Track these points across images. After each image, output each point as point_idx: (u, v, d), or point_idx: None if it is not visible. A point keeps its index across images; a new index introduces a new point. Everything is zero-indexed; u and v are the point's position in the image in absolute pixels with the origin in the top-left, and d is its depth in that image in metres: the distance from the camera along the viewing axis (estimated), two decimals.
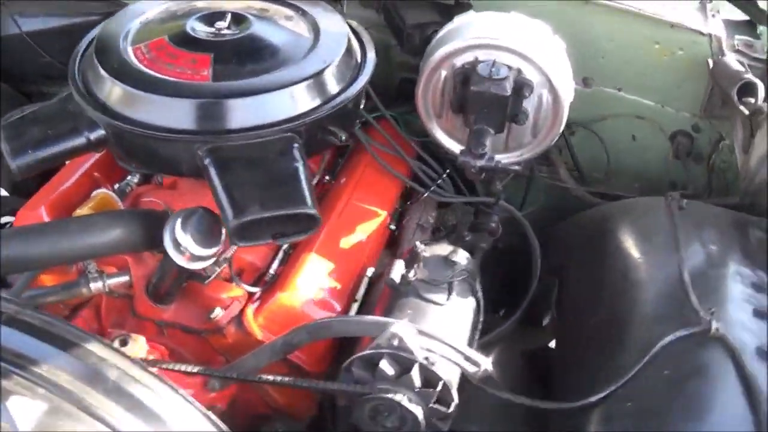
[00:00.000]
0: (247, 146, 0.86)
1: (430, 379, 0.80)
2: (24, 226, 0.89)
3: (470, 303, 0.92)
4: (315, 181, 1.10)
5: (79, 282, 0.92)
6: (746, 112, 1.04)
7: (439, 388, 0.79)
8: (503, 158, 1.13)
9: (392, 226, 1.13)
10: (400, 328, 0.79)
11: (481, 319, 0.93)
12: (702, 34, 1.14)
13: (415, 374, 0.79)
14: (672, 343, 0.80)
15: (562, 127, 1.10)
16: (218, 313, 0.92)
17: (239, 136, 0.86)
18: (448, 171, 1.17)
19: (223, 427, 0.71)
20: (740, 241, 0.98)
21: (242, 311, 0.93)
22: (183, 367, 0.85)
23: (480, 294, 0.93)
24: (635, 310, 0.90)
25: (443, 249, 0.95)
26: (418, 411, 0.79)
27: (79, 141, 0.90)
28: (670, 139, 1.25)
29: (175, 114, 0.87)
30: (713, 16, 1.17)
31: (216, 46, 0.94)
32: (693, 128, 1.23)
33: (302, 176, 0.85)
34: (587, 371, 0.89)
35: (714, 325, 0.80)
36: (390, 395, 0.78)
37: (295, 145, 0.88)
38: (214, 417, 0.72)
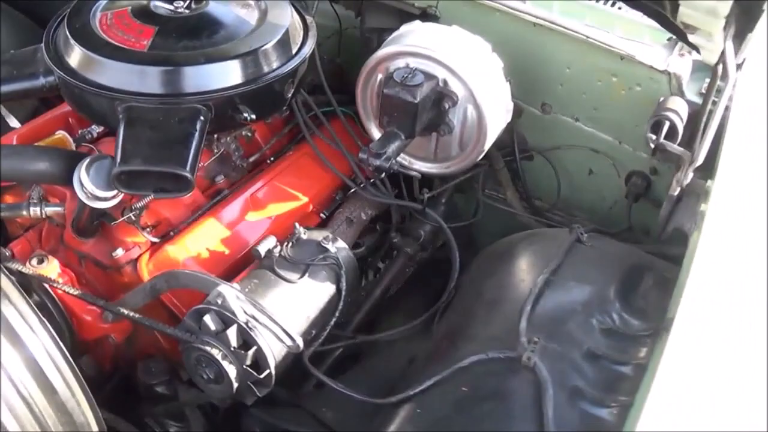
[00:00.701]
0: (154, 109, 0.98)
1: (247, 341, 0.88)
2: None
3: (328, 289, 0.98)
4: (255, 158, 1.19)
5: (22, 205, 1.07)
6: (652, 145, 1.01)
7: (251, 351, 0.87)
8: (432, 168, 1.18)
9: (323, 215, 1.21)
10: (226, 289, 0.88)
11: (340, 307, 0.98)
12: (659, 71, 1.11)
13: (232, 333, 0.87)
14: (481, 362, 0.82)
15: (488, 144, 1.13)
16: (119, 252, 1.04)
17: (149, 100, 0.98)
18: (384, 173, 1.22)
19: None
20: (625, 284, 0.96)
21: (140, 256, 1.05)
22: (73, 291, 0.98)
23: (343, 285, 0.98)
24: (471, 325, 0.92)
25: (320, 234, 1.01)
26: (231, 369, 0.87)
27: (36, 84, 1.06)
28: (625, 179, 1.23)
29: (105, 73, 1.00)
30: (681, 55, 1.13)
31: (163, 21, 1.06)
32: (651, 170, 1.20)
33: (192, 144, 0.95)
34: (417, 376, 0.92)
35: (527, 354, 0.81)
36: (207, 348, 0.87)
37: (201, 117, 0.98)
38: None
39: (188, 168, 0.93)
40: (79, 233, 1.07)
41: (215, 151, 1.15)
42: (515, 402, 0.80)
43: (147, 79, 0.99)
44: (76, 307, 1.05)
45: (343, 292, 0.98)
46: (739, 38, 0.92)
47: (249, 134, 1.20)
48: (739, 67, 0.97)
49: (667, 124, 1.00)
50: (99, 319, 1.06)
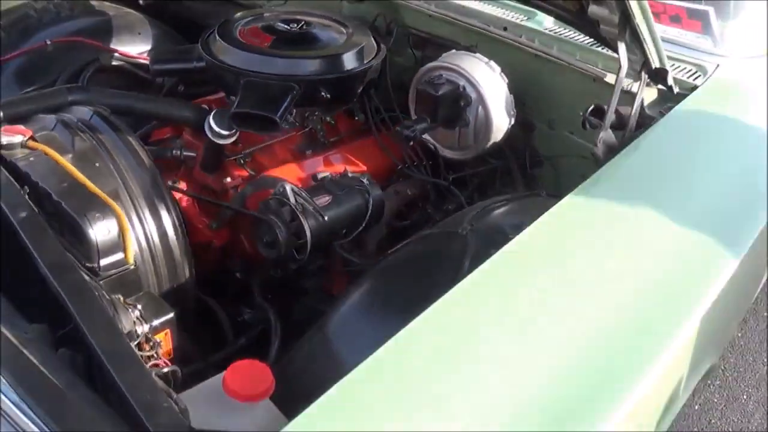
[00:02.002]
0: (263, 82, 1.51)
1: (294, 218, 1.34)
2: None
3: (357, 204, 1.42)
4: (334, 140, 1.68)
5: (167, 150, 1.61)
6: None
7: (295, 223, 1.33)
8: (455, 154, 1.63)
9: None
10: (286, 184, 1.36)
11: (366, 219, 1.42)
12: (626, 91, 1.49)
13: (286, 211, 1.34)
14: (431, 235, 1.24)
15: (493, 138, 1.57)
16: (228, 180, 1.56)
17: (260, 76, 1.52)
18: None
19: None
20: None
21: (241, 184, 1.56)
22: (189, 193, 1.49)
23: (370, 204, 1.42)
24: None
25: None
26: (282, 235, 1.34)
27: (188, 65, 1.63)
28: None
29: (236, 58, 1.56)
30: (648, 84, 1.50)
31: (279, 33, 1.62)
32: None
33: (284, 104, 1.46)
34: None
35: (462, 228, 1.21)
36: (267, 217, 1.34)
37: (292, 90, 1.50)
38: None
39: (278, 116, 1.44)
40: (204, 169, 1.59)
41: (306, 127, 1.66)
42: (448, 257, 1.18)
43: (261, 64, 1.54)
44: (194, 217, 1.55)
45: (369, 210, 1.42)
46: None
47: (332, 122, 1.71)
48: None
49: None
50: (206, 227, 1.56)
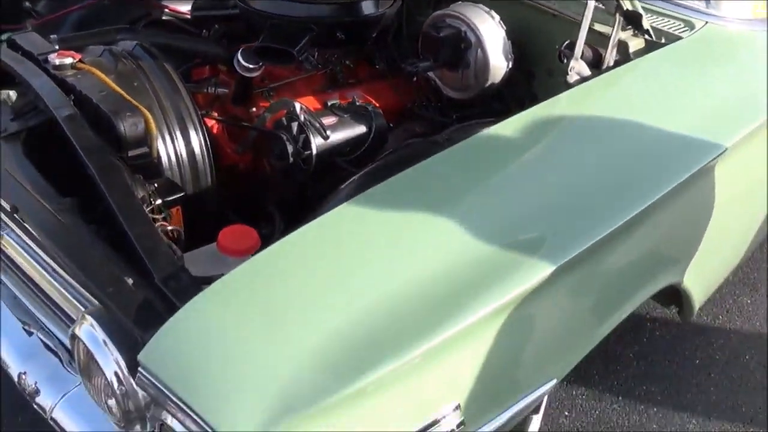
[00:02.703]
0: (285, 24, 1.71)
1: (302, 134, 1.53)
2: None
3: (361, 124, 1.59)
4: (352, 82, 1.85)
5: (203, 85, 1.82)
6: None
7: (302, 137, 1.51)
8: (458, 94, 1.79)
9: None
10: (296, 103, 1.55)
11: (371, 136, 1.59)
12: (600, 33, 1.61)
13: (294, 126, 1.53)
14: (416, 143, 1.40)
15: (492, 79, 1.72)
16: (254, 109, 1.76)
17: (283, 19, 1.72)
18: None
19: None
20: None
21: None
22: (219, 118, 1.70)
23: (373, 126, 1.59)
24: None
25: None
26: (290, 149, 1.52)
27: (225, 12, 1.84)
28: None
29: (262, 4, 1.76)
30: (635, 35, 1.63)
31: None
32: None
33: (300, 41, 1.65)
34: None
35: (442, 137, 1.37)
36: (278, 132, 1.53)
37: (311, 32, 1.69)
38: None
39: (296, 50, 1.63)
40: (234, 102, 1.80)
41: (328, 70, 1.85)
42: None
43: (284, 8, 1.73)
44: (223, 143, 1.75)
45: (372, 133, 1.59)
46: None
47: (351, 65, 1.89)
48: None
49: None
50: (233, 152, 1.76)
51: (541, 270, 1.08)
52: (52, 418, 1.37)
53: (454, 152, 1.27)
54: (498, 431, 1.15)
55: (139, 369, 1.01)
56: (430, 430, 1.04)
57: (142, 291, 1.09)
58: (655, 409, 1.98)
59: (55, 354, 1.44)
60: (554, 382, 1.21)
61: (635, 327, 2.20)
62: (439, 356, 1.02)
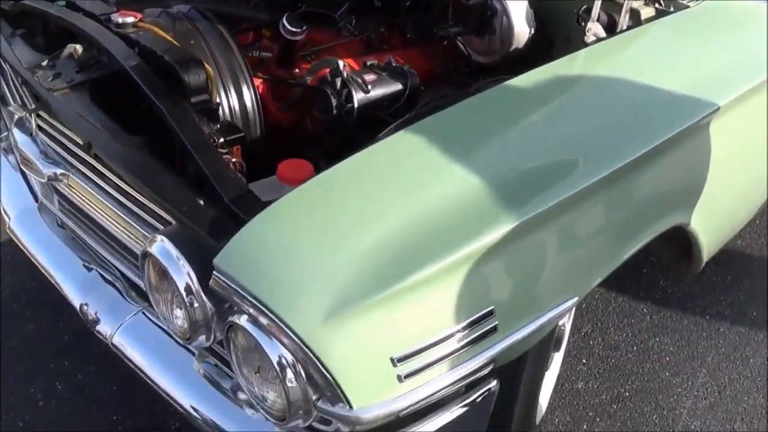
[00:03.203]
0: None
1: (345, 88, 1.67)
2: None
3: (397, 82, 1.73)
4: (386, 47, 2.00)
5: (254, 49, 1.97)
6: None
7: (345, 91, 1.66)
8: (484, 58, 1.93)
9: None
10: (339, 61, 1.70)
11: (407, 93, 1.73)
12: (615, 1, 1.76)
13: (338, 82, 1.67)
14: (449, 94, 1.55)
15: (515, 44, 1.86)
16: (297, 71, 1.91)
17: None
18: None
19: None
20: None
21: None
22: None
23: (408, 84, 1.73)
24: None
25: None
26: (334, 102, 1.67)
27: None
28: None
29: None
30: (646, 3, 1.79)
31: None
32: None
33: (341, 7, 1.81)
34: None
35: (474, 87, 1.52)
36: (323, 87, 1.68)
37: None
38: None
39: (337, 15, 1.78)
40: (278, 64, 1.94)
41: (364, 37, 2.00)
42: None
43: None
44: (268, 101, 1.89)
45: (408, 90, 1.73)
46: None
47: (385, 33, 2.04)
48: None
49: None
50: (277, 110, 1.91)
51: (569, 189, 1.23)
52: (112, 344, 1.53)
53: (487, 96, 1.42)
54: (525, 340, 1.29)
55: (214, 272, 1.15)
56: (466, 331, 1.18)
57: (213, 209, 1.24)
58: (667, 359, 2.11)
59: (114, 286, 1.60)
60: (576, 299, 1.34)
61: (649, 284, 2.34)
62: (478, 263, 1.16)
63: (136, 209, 1.44)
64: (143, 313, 1.55)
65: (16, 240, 1.72)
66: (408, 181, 1.24)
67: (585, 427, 1.92)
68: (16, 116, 1.68)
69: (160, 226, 1.37)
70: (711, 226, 1.75)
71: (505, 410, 1.53)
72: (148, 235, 1.36)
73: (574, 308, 1.41)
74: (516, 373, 1.46)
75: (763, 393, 2.03)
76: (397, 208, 1.19)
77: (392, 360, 1.13)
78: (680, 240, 1.68)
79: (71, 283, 1.60)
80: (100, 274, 1.61)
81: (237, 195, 1.25)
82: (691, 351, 2.14)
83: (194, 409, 1.41)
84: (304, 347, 1.08)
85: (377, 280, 1.10)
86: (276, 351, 1.11)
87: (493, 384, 1.37)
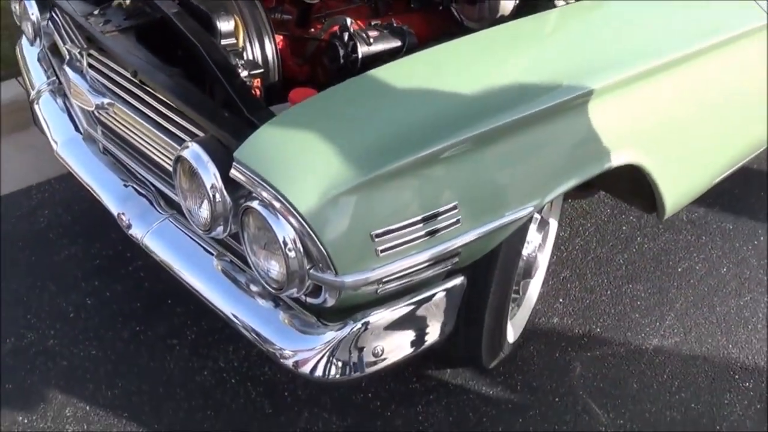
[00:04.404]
0: None
1: (351, 40, 2.09)
2: None
3: (397, 39, 2.15)
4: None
5: (276, 12, 2.40)
6: None
7: (351, 42, 2.08)
8: (473, 24, 2.34)
9: None
10: (347, 18, 2.12)
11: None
12: None
13: (346, 34, 2.09)
14: None
15: (502, 11, 2.26)
16: (312, 31, 2.33)
17: None
18: None
19: None
20: None
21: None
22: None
23: (406, 42, 2.15)
24: None
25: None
26: (342, 50, 2.09)
27: None
28: None
29: None
30: None
31: None
32: None
33: None
34: None
35: None
36: (332, 40, 2.10)
37: None
38: None
39: None
40: (297, 25, 2.36)
41: (372, 3, 2.41)
42: None
43: None
44: (287, 56, 2.31)
45: (406, 46, 2.14)
46: None
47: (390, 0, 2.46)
48: None
49: None
50: (295, 64, 2.33)
51: (540, 104, 1.64)
52: (143, 244, 1.95)
53: (465, 39, 1.83)
54: (487, 238, 1.68)
55: (234, 163, 1.56)
56: (433, 219, 1.58)
57: (236, 119, 1.65)
58: (638, 303, 2.49)
59: (146, 198, 2.02)
60: (531, 208, 1.73)
61: (627, 239, 2.72)
62: (447, 162, 1.56)
63: (170, 127, 1.85)
64: (169, 220, 1.97)
65: (63, 162, 2.15)
66: (392, 95, 1.64)
67: (557, 355, 2.30)
68: (69, 55, 2.12)
69: (188, 139, 1.79)
70: (669, 171, 2.12)
71: (476, 312, 1.92)
72: (177, 147, 1.78)
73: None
74: (485, 273, 1.85)
75: (727, 336, 2.39)
76: (381, 115, 1.59)
77: (371, 236, 1.52)
78: (645, 188, 2.06)
79: (111, 196, 2.02)
80: (135, 189, 2.04)
81: (257, 109, 1.66)
82: (661, 297, 2.51)
83: (213, 298, 1.81)
84: (303, 223, 1.48)
85: (362, 168, 1.50)
86: (281, 227, 1.50)
87: (460, 279, 1.77)
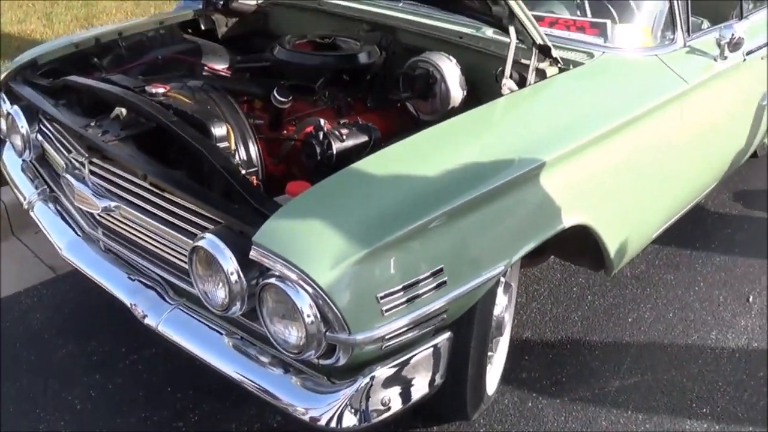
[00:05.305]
0: (306, 70, 2.76)
1: (326, 139, 2.53)
2: None
3: (363, 136, 2.60)
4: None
5: (248, 115, 2.84)
6: None
7: (326, 140, 2.52)
8: (428, 117, 2.82)
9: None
10: (322, 120, 2.57)
11: None
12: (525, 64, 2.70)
13: (321, 133, 2.53)
14: None
15: (452, 104, 2.75)
16: (284, 133, 2.77)
17: (305, 66, 2.77)
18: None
19: None
20: None
21: None
22: None
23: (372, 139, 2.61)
24: None
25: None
26: (318, 148, 2.52)
27: (261, 63, 2.90)
28: None
29: (292, 56, 2.82)
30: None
31: (317, 44, 2.89)
32: None
33: (318, 81, 2.70)
34: None
35: None
36: (309, 139, 2.54)
37: (326, 74, 2.74)
38: None
39: (316, 87, 2.67)
40: (269, 128, 2.80)
41: (335, 105, 2.87)
42: None
43: (307, 59, 2.79)
44: (263, 157, 2.73)
45: (372, 141, 2.59)
46: None
47: (351, 102, 2.91)
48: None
49: None
50: (270, 163, 2.75)
51: (499, 179, 2.07)
52: (158, 331, 2.29)
53: (429, 131, 2.28)
54: (469, 295, 2.10)
55: (253, 247, 1.94)
56: (426, 280, 1.98)
57: (248, 211, 2.04)
58: (596, 352, 2.90)
59: (154, 290, 2.37)
60: (503, 267, 2.16)
61: (578, 299, 3.17)
62: (431, 233, 1.98)
63: (179, 223, 2.22)
64: (178, 308, 2.31)
65: (71, 263, 2.48)
66: (377, 182, 2.05)
67: (530, 404, 2.69)
68: (69, 164, 2.49)
69: (199, 233, 2.16)
70: (614, 229, 2.59)
71: (460, 364, 2.31)
72: (189, 242, 2.15)
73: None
74: (466, 329, 2.25)
75: (680, 371, 2.83)
76: (371, 198, 2.00)
77: (377, 298, 1.91)
78: (592, 248, 2.52)
79: (121, 290, 2.35)
80: (141, 282, 2.38)
81: (263, 202, 2.06)
82: (616, 345, 2.95)
83: (230, 372, 2.15)
84: (320, 291, 1.86)
85: (364, 242, 1.88)
86: (300, 297, 1.86)
87: (448, 334, 2.16)
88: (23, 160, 2.90)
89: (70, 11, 6.71)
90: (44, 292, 3.05)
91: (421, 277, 1.96)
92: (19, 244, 3.30)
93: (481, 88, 2.79)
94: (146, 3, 6.91)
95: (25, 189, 2.82)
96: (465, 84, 2.76)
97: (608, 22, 2.91)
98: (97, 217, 2.48)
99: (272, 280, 1.90)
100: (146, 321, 2.29)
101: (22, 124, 2.76)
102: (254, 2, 3.59)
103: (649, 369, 2.81)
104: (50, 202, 2.73)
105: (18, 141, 2.79)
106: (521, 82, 2.59)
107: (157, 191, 2.24)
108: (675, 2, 2.95)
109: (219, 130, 2.32)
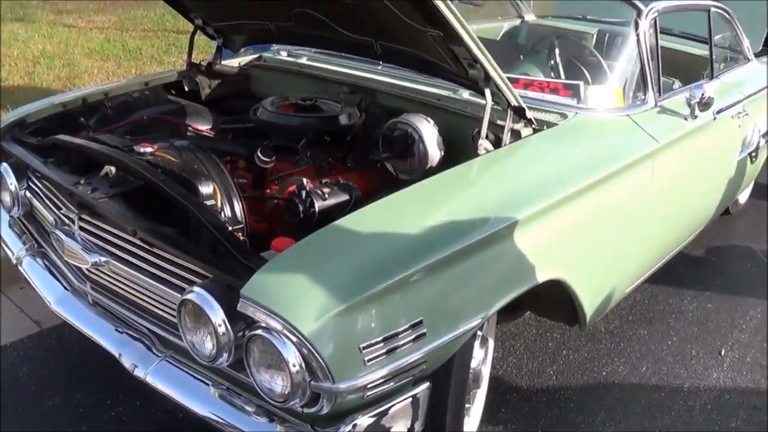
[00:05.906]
0: (290, 131, 2.98)
1: (308, 197, 2.73)
2: None
3: (344, 195, 2.81)
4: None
5: (231, 174, 3.04)
6: None
7: (309, 199, 2.72)
8: (407, 176, 3.03)
9: None
10: (305, 180, 2.77)
11: None
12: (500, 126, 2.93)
13: (304, 192, 2.73)
14: None
15: (430, 163, 2.96)
16: (268, 192, 2.97)
17: (287, 127, 2.99)
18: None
19: None
20: None
21: None
22: None
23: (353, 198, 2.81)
24: None
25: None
26: (301, 206, 2.72)
27: (244, 125, 3.11)
28: None
29: (274, 117, 3.04)
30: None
31: (299, 106, 3.11)
32: None
33: (300, 141, 2.92)
34: None
35: None
36: (292, 198, 2.74)
37: (307, 135, 2.96)
38: None
39: (299, 147, 2.88)
40: (253, 187, 3.00)
41: (316, 164, 3.07)
42: None
43: (289, 120, 3.01)
44: (247, 215, 2.92)
45: (353, 200, 2.80)
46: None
47: (332, 161, 3.11)
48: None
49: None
50: (254, 221, 2.94)
51: (475, 236, 2.26)
52: (146, 381, 2.45)
53: (421, 185, 2.49)
54: (447, 346, 2.28)
55: (241, 299, 2.11)
56: (406, 332, 2.16)
57: (234, 264, 2.22)
58: (571, 404, 3.07)
59: (141, 342, 2.53)
60: (480, 320, 2.35)
61: (553, 353, 3.35)
62: (411, 286, 2.17)
63: (167, 277, 2.40)
64: (165, 360, 2.47)
65: (60, 317, 2.64)
66: (359, 239, 2.24)
67: None
68: (59, 220, 2.66)
69: (187, 287, 2.33)
70: (587, 283, 2.80)
71: (439, 414, 2.48)
72: (178, 295, 2.33)
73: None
74: (445, 381, 2.43)
75: (652, 422, 2.99)
76: (353, 255, 2.18)
77: (359, 348, 2.08)
78: (567, 302, 2.72)
79: (110, 343, 2.51)
80: (129, 334, 2.54)
81: (249, 257, 2.24)
82: (591, 398, 3.11)
83: (214, 417, 2.31)
84: (305, 342, 2.03)
85: (346, 295, 2.05)
86: (286, 348, 2.03)
87: (427, 384, 2.34)
88: (11, 216, 3.06)
89: (51, 71, 6.94)
90: (30, 346, 3.19)
91: (401, 329, 2.13)
92: (5, 299, 3.43)
93: (458, 148, 2.98)
94: (127, 64, 7.16)
95: (13, 245, 2.98)
96: (442, 144, 2.96)
97: (581, 83, 3.16)
98: (86, 272, 2.64)
99: (259, 331, 2.06)
100: (135, 372, 2.44)
101: (12, 180, 2.93)
102: (237, 64, 3.84)
103: (623, 420, 2.99)
104: (38, 257, 2.89)
105: (7, 197, 2.96)
106: (497, 143, 2.80)
107: (147, 246, 2.40)
108: (646, 64, 3.21)
109: (206, 189, 2.51)
